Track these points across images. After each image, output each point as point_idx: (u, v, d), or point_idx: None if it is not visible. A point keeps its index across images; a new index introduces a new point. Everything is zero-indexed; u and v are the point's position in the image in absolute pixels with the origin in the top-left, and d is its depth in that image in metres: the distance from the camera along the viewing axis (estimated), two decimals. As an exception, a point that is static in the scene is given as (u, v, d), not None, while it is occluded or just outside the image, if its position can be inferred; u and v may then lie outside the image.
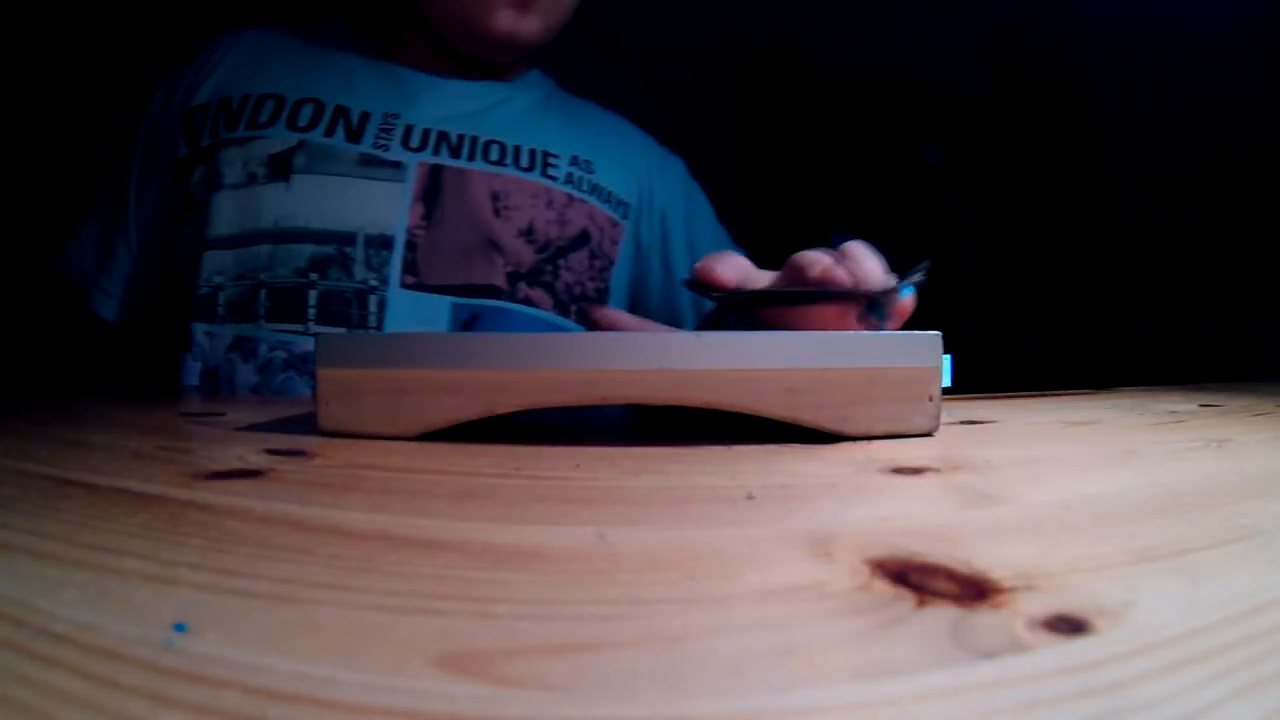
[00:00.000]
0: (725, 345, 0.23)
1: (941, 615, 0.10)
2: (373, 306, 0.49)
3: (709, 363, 0.23)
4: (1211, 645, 0.09)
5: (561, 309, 0.55)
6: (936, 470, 0.19)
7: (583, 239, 0.57)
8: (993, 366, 1.54)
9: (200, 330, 0.49)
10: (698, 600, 0.10)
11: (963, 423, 0.29)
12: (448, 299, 0.51)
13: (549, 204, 0.55)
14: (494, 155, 0.55)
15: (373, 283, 0.49)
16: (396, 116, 0.53)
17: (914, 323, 0.29)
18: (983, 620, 0.10)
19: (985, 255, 1.69)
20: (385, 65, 0.55)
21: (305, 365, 0.48)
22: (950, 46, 1.61)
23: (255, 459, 0.21)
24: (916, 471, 0.19)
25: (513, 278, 0.53)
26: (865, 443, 0.24)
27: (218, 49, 0.56)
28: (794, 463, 0.21)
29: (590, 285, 0.57)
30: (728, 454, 0.22)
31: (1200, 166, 1.22)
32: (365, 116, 0.52)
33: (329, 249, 0.49)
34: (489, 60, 0.56)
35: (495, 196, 0.54)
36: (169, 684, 0.08)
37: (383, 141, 0.52)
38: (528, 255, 0.54)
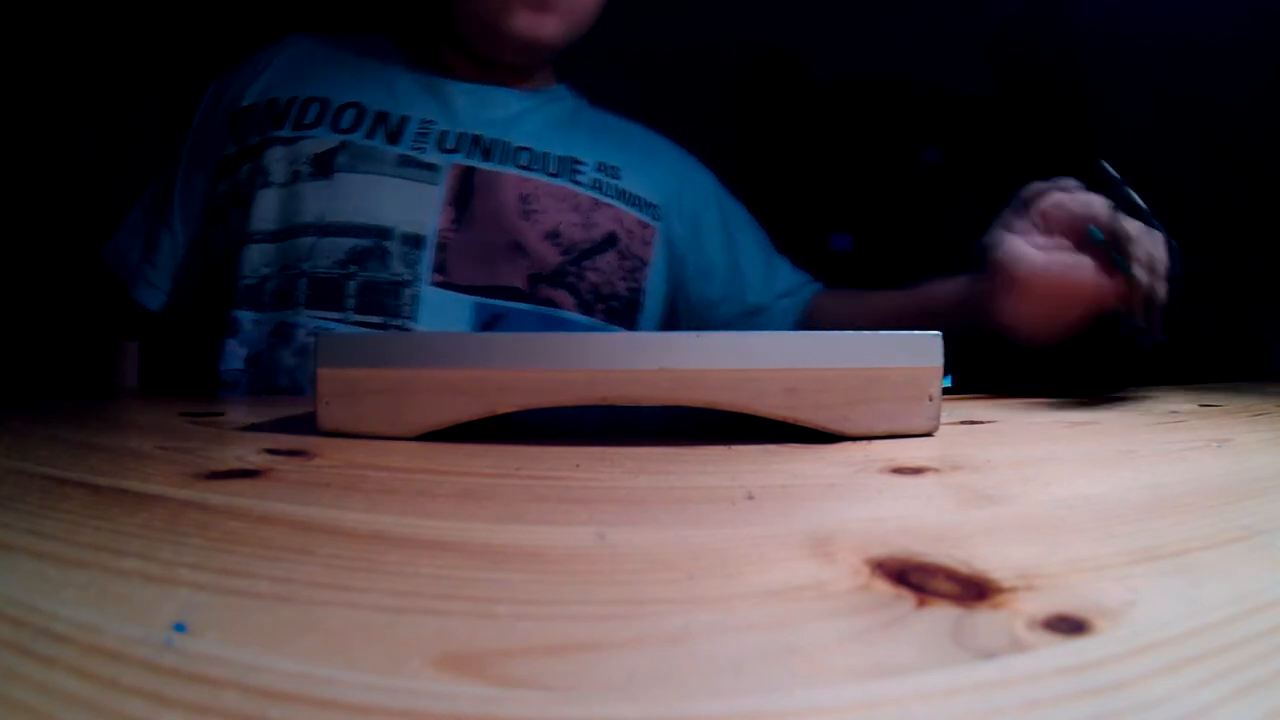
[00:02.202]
0: (725, 345, 0.23)
1: (942, 615, 0.10)
2: (406, 299, 0.52)
3: (709, 363, 0.23)
4: (1211, 645, 0.09)
5: (586, 309, 0.57)
6: (936, 470, 0.19)
7: (610, 241, 0.59)
8: (993, 366, 1.54)
9: (246, 318, 0.52)
10: (698, 600, 0.10)
11: (963, 423, 0.29)
12: (471, 299, 0.53)
13: (575, 208, 0.57)
14: (524, 160, 0.57)
15: (407, 277, 0.52)
16: (432, 122, 0.56)
17: (914, 323, 0.29)
18: (983, 620, 0.10)
19: (985, 255, 1.69)
20: (422, 74, 0.58)
21: None
22: (950, 47, 1.61)
23: (255, 459, 0.21)
24: (916, 471, 0.19)
25: (534, 280, 0.55)
26: (865, 443, 0.24)
27: (266, 54, 0.59)
28: (794, 463, 0.21)
29: (622, 285, 0.59)
30: (728, 454, 0.22)
31: (1201, 166, 1.23)
32: (404, 120, 0.55)
33: (368, 242, 0.52)
34: (515, 63, 0.58)
35: (524, 199, 0.56)
36: (169, 684, 0.08)
37: (419, 144, 0.55)
38: (552, 257, 0.56)
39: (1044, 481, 0.18)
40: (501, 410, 0.24)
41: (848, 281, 0.71)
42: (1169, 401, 0.38)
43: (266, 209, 0.53)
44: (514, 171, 0.56)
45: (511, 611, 0.10)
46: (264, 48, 0.60)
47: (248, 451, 0.22)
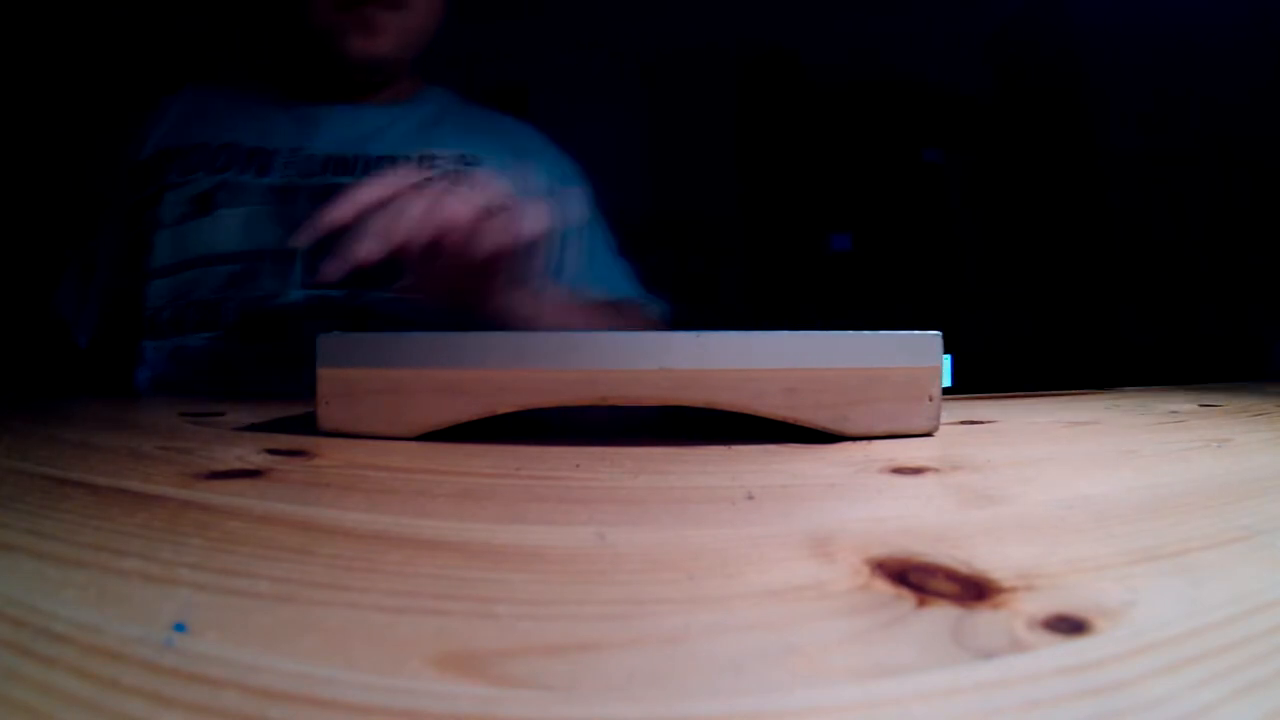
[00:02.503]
0: (725, 345, 0.23)
1: (942, 615, 0.10)
2: (275, 309, 0.59)
3: (709, 363, 0.23)
4: (1211, 645, 0.09)
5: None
6: (936, 470, 0.19)
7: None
8: (993, 366, 1.54)
9: (150, 347, 0.59)
10: (698, 600, 0.10)
11: (963, 423, 0.29)
12: (340, 293, 0.59)
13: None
14: (382, 168, 0.62)
15: (276, 290, 0.59)
16: (299, 149, 0.62)
17: (915, 322, 0.29)
18: (983, 620, 0.10)
19: (985, 255, 1.69)
20: (295, 106, 0.65)
21: (221, 363, 0.58)
22: (950, 47, 1.61)
23: (255, 459, 0.21)
24: (916, 471, 0.19)
25: None
26: (865, 443, 0.24)
27: (160, 110, 0.67)
28: (794, 463, 0.21)
29: None
30: (728, 454, 0.22)
31: (1201, 166, 1.23)
32: (274, 153, 0.62)
33: (238, 267, 0.59)
34: (363, 80, 0.64)
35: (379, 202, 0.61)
36: (169, 684, 0.08)
37: (287, 173, 0.61)
38: None
39: (1044, 481, 0.18)
40: (501, 410, 0.24)
41: (848, 281, 0.71)
42: (1169, 401, 0.38)
43: (161, 249, 0.60)
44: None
45: (511, 611, 0.10)
46: (160, 102, 0.68)
47: (248, 451, 0.22)
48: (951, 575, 0.11)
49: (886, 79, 1.67)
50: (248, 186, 0.60)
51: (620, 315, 0.64)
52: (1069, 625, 0.09)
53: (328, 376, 0.24)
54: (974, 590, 0.11)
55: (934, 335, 0.25)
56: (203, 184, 0.60)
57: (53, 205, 1.04)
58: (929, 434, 0.25)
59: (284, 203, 0.60)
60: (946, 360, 0.25)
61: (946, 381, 0.25)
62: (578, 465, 0.20)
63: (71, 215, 0.79)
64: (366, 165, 0.62)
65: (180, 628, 0.09)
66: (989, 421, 0.30)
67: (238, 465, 0.20)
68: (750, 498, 0.16)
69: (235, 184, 0.61)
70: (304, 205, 0.60)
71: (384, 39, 0.59)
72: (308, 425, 0.26)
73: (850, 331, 0.24)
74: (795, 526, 0.14)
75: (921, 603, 0.10)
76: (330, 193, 0.59)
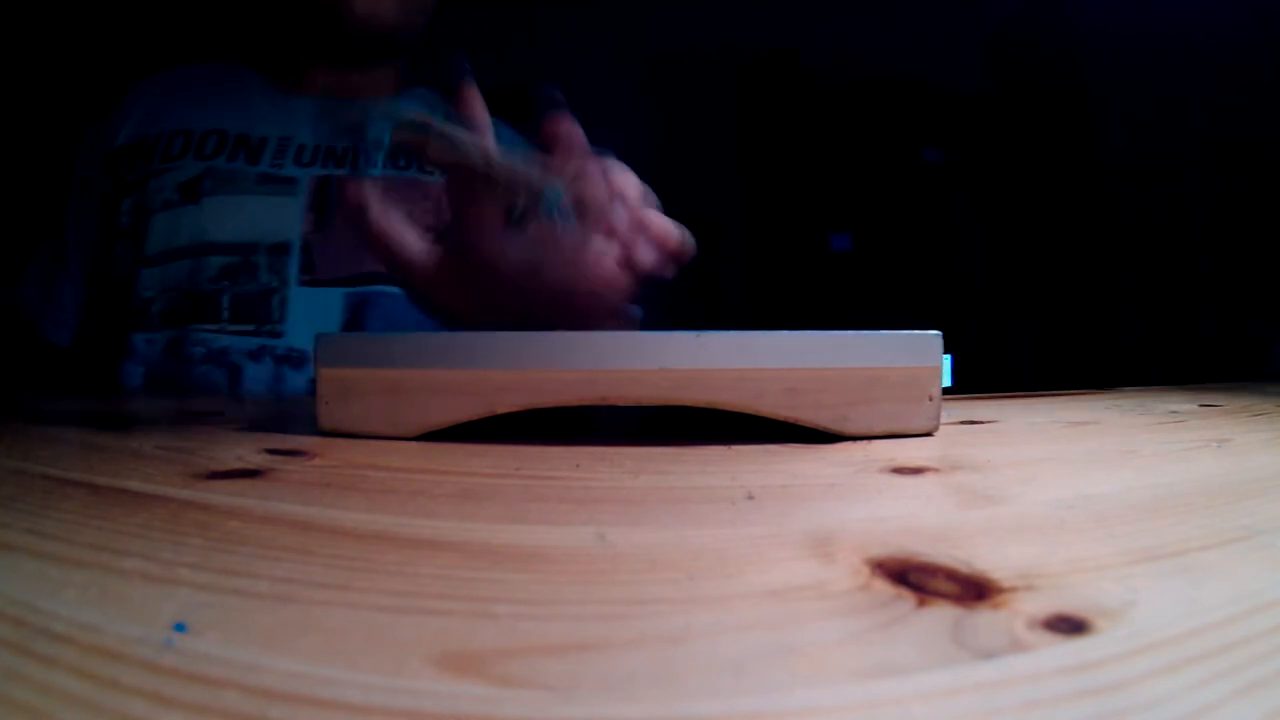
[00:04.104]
0: (725, 345, 0.23)
1: (941, 615, 0.10)
2: (275, 304, 0.57)
3: (709, 363, 0.23)
4: (1211, 645, 0.09)
5: None
6: (936, 470, 0.19)
7: None
8: (993, 366, 1.54)
9: (140, 339, 0.57)
10: (698, 600, 0.10)
11: (963, 423, 0.29)
12: (339, 290, 0.57)
13: (425, 196, 0.61)
14: (375, 161, 0.62)
15: (275, 284, 0.57)
16: (290, 138, 0.61)
17: (915, 322, 0.29)
18: (983, 620, 0.10)
19: (986, 255, 1.69)
20: (278, 94, 0.63)
21: (221, 359, 0.56)
22: (950, 47, 1.61)
23: (255, 459, 0.21)
24: (916, 471, 0.19)
25: None
26: (865, 443, 0.24)
27: (132, 96, 0.64)
28: (794, 463, 0.21)
29: None
30: (728, 454, 0.22)
31: (1201, 166, 1.23)
32: (263, 141, 0.60)
33: (234, 259, 0.57)
34: (361, 49, 0.62)
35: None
36: (169, 684, 0.08)
37: (278, 161, 0.60)
38: None
39: (1044, 481, 0.18)
40: (501, 410, 0.24)
41: (848, 281, 0.71)
42: (1169, 401, 0.38)
43: (148, 237, 0.58)
44: (366, 174, 0.60)
45: (511, 611, 0.10)
46: (133, 87, 0.65)
47: (248, 451, 0.22)
48: (951, 575, 0.11)
49: (886, 79, 1.67)
50: (238, 174, 0.59)
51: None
52: (1069, 625, 0.09)
53: (328, 376, 0.24)
54: (974, 590, 0.11)
55: (934, 335, 0.25)
56: (189, 170, 0.58)
57: (10, 198, 1.02)
58: (929, 434, 0.25)
59: (276, 192, 0.58)
60: (946, 360, 0.25)
61: (946, 381, 0.25)
62: (578, 465, 0.20)
63: (32, 207, 0.76)
64: (356, 158, 0.61)
65: (180, 628, 0.09)
66: (989, 421, 0.30)
67: (238, 465, 0.20)
68: (750, 498, 0.16)
69: (224, 171, 0.59)
70: (302, 194, 0.59)
71: (387, 3, 0.57)
72: (308, 425, 0.26)
73: (850, 331, 0.24)
74: (795, 526, 0.14)
75: (921, 603, 0.10)
76: (327, 184, 0.58)
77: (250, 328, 0.56)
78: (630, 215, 0.35)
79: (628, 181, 0.36)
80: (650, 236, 0.35)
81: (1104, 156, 1.40)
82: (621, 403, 0.23)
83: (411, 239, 0.37)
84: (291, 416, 0.31)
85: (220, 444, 0.23)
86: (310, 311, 0.56)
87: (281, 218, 0.58)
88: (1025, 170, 1.62)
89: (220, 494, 0.16)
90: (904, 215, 1.66)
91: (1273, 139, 1.11)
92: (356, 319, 0.57)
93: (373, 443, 0.23)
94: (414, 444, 0.23)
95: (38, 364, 0.65)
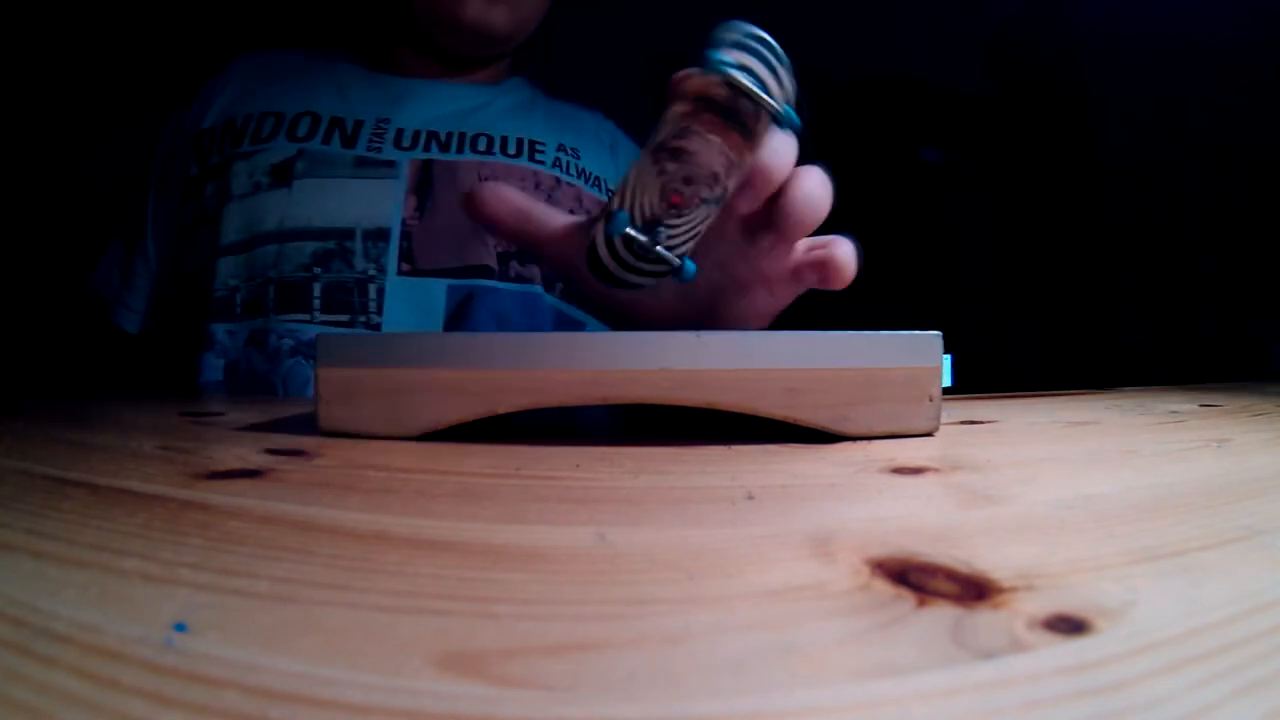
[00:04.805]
0: (725, 345, 0.23)
1: (941, 615, 0.10)
2: (372, 294, 0.52)
3: (709, 363, 0.23)
4: (1211, 645, 0.09)
5: (548, 285, 0.58)
6: (936, 470, 0.19)
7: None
8: (993, 366, 1.54)
9: (221, 330, 0.53)
10: (698, 600, 0.10)
11: (963, 423, 0.29)
12: (443, 281, 0.54)
13: (536, 185, 0.58)
14: (481, 146, 0.58)
15: (372, 272, 0.53)
16: (388, 121, 0.57)
17: (915, 322, 0.28)
18: (983, 620, 0.10)
19: (985, 255, 1.69)
20: (376, 76, 0.59)
21: (312, 350, 0.52)
22: (950, 46, 1.61)
23: (255, 459, 0.21)
24: (916, 471, 0.19)
25: (503, 257, 0.56)
26: (865, 443, 0.24)
27: (222, 77, 0.61)
28: (794, 463, 0.21)
29: None
30: (728, 454, 0.22)
31: (1201, 166, 1.23)
32: (359, 124, 0.56)
33: (329, 244, 0.53)
34: (471, 54, 0.59)
35: (483, 181, 0.56)
36: (169, 684, 0.08)
37: (376, 144, 0.56)
38: None
39: (1044, 481, 0.18)
40: (502, 410, 0.24)
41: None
42: (1169, 401, 0.38)
43: (231, 223, 0.54)
44: (472, 158, 0.56)
45: (511, 611, 0.10)
46: (220, 70, 0.62)
47: (248, 451, 0.22)
48: (951, 575, 0.11)
49: (886, 79, 1.67)
50: (332, 157, 0.54)
51: None
52: (1069, 625, 0.09)
53: (328, 376, 0.24)
54: (974, 590, 0.11)
55: (934, 335, 0.25)
56: (280, 152, 0.54)
57: (83, 191, 1.00)
58: (929, 434, 0.25)
59: (376, 175, 0.54)
60: (946, 360, 0.25)
61: (947, 381, 0.25)
62: (578, 465, 0.20)
63: (112, 192, 0.72)
64: (462, 142, 0.57)
65: (180, 628, 0.09)
66: (989, 421, 0.30)
67: (238, 465, 0.20)
68: (750, 498, 0.16)
69: (317, 153, 0.54)
70: (402, 177, 0.54)
71: (501, 11, 0.55)
72: (308, 425, 0.26)
73: (850, 331, 0.24)
74: (795, 526, 0.14)
75: (921, 603, 0.10)
76: (428, 167, 0.54)
77: (345, 318, 0.52)
78: (817, 254, 0.29)
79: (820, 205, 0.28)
80: (825, 275, 0.29)
81: (1104, 156, 1.40)
82: (622, 403, 0.23)
83: (556, 213, 0.32)
84: (292, 417, 0.31)
85: (220, 444, 0.23)
86: (411, 302, 0.52)
87: (380, 202, 0.54)
88: (1025, 170, 1.62)
89: (220, 494, 0.16)
90: (904, 215, 1.66)
91: (1273, 139, 1.11)
92: (461, 313, 0.53)
93: (373, 443, 0.23)
94: (414, 444, 0.23)
95: (108, 352, 0.62)
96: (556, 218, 0.31)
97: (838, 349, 0.24)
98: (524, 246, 0.32)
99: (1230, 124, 1.19)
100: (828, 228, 0.29)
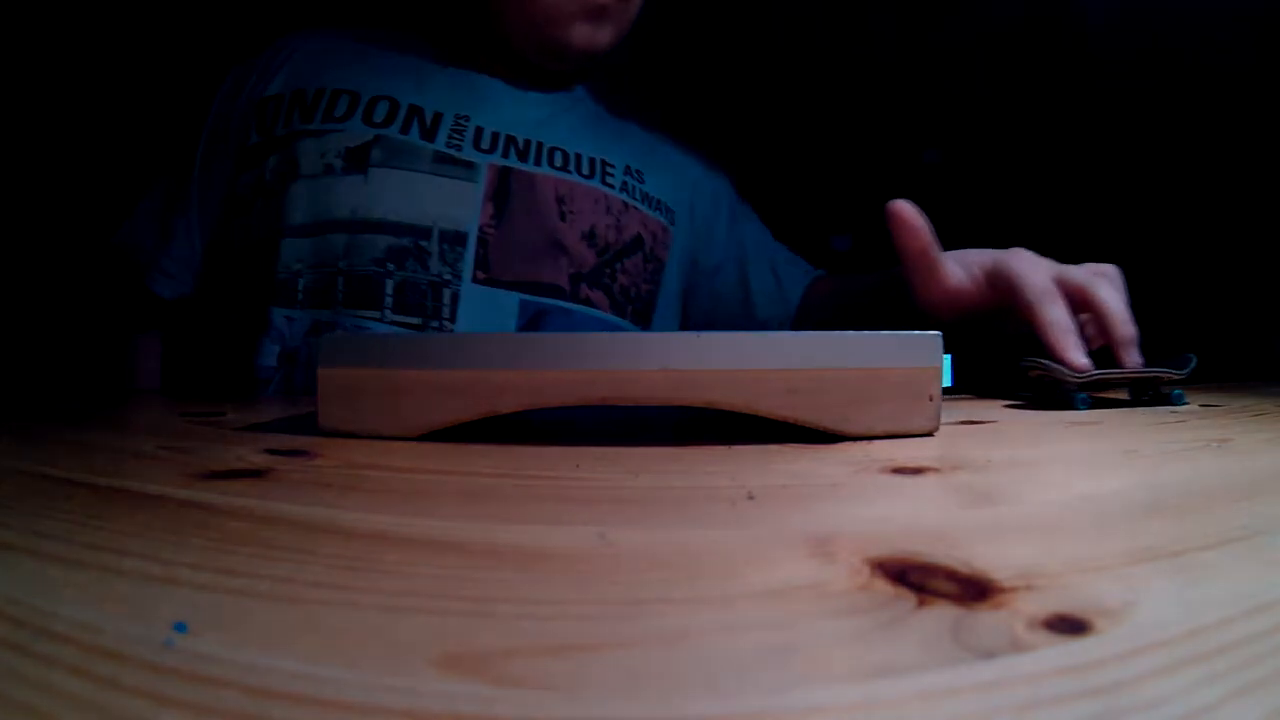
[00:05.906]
0: (725, 345, 0.23)
1: (942, 615, 0.10)
2: (446, 299, 0.51)
3: (709, 363, 0.23)
4: (1211, 645, 0.09)
5: (618, 310, 0.57)
6: (936, 470, 0.19)
7: (637, 243, 0.59)
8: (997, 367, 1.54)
9: (280, 315, 0.51)
10: (698, 600, 0.10)
11: (963, 423, 0.29)
12: (516, 295, 0.52)
13: (607, 209, 0.57)
14: (558, 161, 0.57)
15: (447, 276, 0.51)
16: (467, 119, 0.54)
17: (914, 323, 0.29)
18: (983, 620, 0.10)
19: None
20: (455, 70, 0.57)
21: None
22: (951, 46, 1.61)
23: (255, 459, 0.21)
24: (916, 471, 0.19)
25: (575, 279, 0.55)
26: (865, 443, 0.24)
27: (287, 42, 0.57)
28: (794, 463, 0.21)
29: (644, 287, 0.59)
30: (728, 454, 0.22)
31: (1201, 166, 1.23)
32: (438, 117, 0.54)
33: (405, 241, 0.51)
34: (560, 70, 0.58)
35: (560, 200, 0.55)
36: (169, 684, 0.08)
37: (455, 141, 0.53)
38: (589, 257, 0.56)
39: (1044, 481, 0.18)
40: (501, 410, 0.24)
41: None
42: (1169, 401, 0.38)
43: (298, 204, 0.51)
44: (550, 172, 0.56)
45: (511, 611, 0.10)
46: (287, 33, 0.58)
47: (248, 451, 0.22)
48: (951, 575, 0.11)
49: (886, 79, 1.67)
50: (413, 149, 0.52)
51: None
52: (1069, 625, 0.09)
53: (328, 376, 0.24)
54: (974, 590, 0.11)
55: (934, 335, 0.25)
56: (355, 135, 0.51)
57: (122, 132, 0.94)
58: (929, 434, 0.25)
59: (456, 175, 0.52)
60: (946, 360, 0.25)
61: (947, 381, 0.25)
62: (578, 465, 0.20)
63: (144, 143, 0.66)
64: (540, 153, 0.55)
65: (180, 628, 0.09)
66: (989, 421, 0.30)
67: (238, 465, 0.20)
68: (750, 498, 0.16)
69: (396, 142, 0.52)
70: (481, 181, 0.52)
71: (607, 32, 0.53)
72: (308, 425, 0.26)
73: (850, 332, 0.24)
74: (795, 526, 0.14)
75: (921, 603, 0.10)
76: (507, 174, 0.53)
77: (417, 320, 0.50)
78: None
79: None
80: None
81: (1104, 156, 1.40)
82: (622, 402, 0.23)
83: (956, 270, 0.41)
84: (292, 417, 0.31)
85: (221, 444, 0.23)
86: (484, 312, 0.51)
87: (458, 204, 0.52)
88: (1025, 170, 1.63)
89: (221, 494, 0.16)
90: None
91: (1273, 139, 1.11)
92: (535, 329, 0.51)
93: (373, 443, 0.23)
94: (414, 444, 0.23)
95: (139, 317, 0.59)
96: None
97: (838, 349, 0.24)
98: (916, 274, 0.40)
99: (1230, 123, 1.19)
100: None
